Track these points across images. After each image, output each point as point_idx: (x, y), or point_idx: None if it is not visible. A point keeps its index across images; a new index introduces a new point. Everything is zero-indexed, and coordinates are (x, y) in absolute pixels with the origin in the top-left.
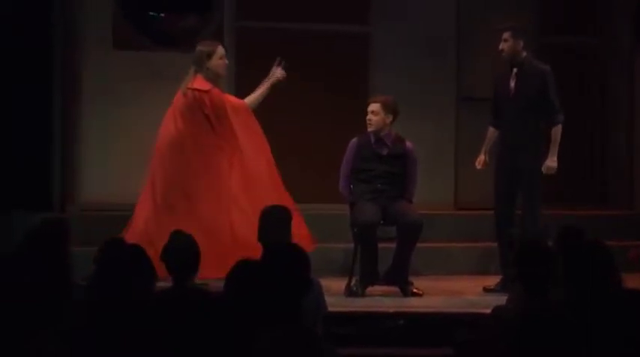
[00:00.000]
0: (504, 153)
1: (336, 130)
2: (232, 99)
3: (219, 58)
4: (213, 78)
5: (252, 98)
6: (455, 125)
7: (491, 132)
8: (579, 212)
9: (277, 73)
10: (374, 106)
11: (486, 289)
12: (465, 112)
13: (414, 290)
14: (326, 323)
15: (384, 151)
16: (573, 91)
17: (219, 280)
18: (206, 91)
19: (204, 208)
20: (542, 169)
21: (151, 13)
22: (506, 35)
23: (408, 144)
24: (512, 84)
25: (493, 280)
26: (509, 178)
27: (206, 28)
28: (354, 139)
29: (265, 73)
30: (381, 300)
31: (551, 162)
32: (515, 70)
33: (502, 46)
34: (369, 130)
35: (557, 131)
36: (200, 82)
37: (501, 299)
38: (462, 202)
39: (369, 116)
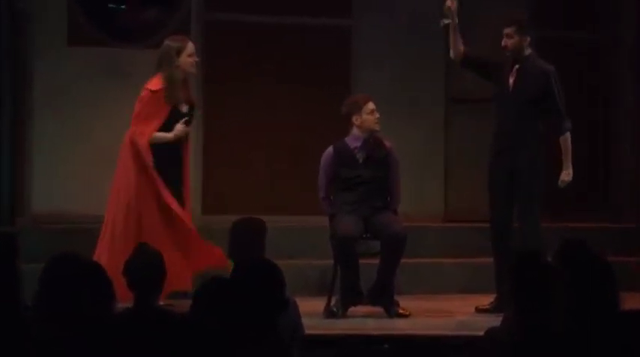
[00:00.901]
0: (500, 154)
1: (314, 133)
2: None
3: (189, 55)
4: (181, 76)
5: (155, 136)
6: (444, 129)
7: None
8: (581, 225)
9: (178, 129)
10: (373, 104)
11: (479, 309)
12: (455, 114)
13: (400, 311)
14: (303, 347)
15: (366, 155)
16: (573, 92)
17: (185, 301)
18: (153, 91)
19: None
20: (559, 183)
21: (110, 5)
22: (509, 30)
23: (388, 144)
24: (512, 81)
25: (486, 299)
26: (506, 181)
27: (171, 21)
28: (329, 148)
29: (237, 71)
30: (364, 321)
31: (566, 175)
32: (516, 66)
33: (505, 42)
34: (379, 128)
35: (566, 140)
36: (155, 83)
37: (496, 320)
38: (452, 214)
39: (377, 114)
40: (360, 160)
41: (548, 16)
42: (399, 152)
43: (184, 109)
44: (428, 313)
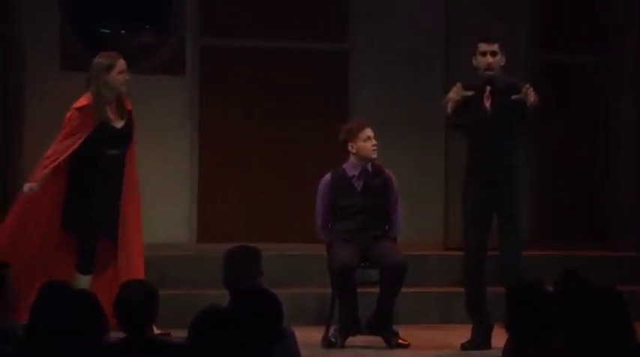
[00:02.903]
0: (483, 182)
1: (311, 159)
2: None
3: (119, 72)
4: (110, 93)
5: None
6: (444, 155)
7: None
8: (580, 253)
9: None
10: (371, 131)
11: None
12: (455, 140)
13: (400, 341)
14: None
15: (364, 183)
16: (572, 117)
17: (182, 330)
18: (77, 108)
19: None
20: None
21: (103, 30)
22: (495, 47)
23: (388, 172)
24: (488, 104)
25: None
26: (486, 210)
27: (165, 45)
28: (327, 176)
29: (232, 96)
30: (363, 352)
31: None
32: (488, 88)
33: (490, 59)
34: (375, 156)
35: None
36: (81, 100)
37: (496, 352)
38: (453, 242)
39: (374, 141)
40: (358, 189)
41: (549, 38)
42: (397, 179)
43: (119, 125)
44: (429, 344)
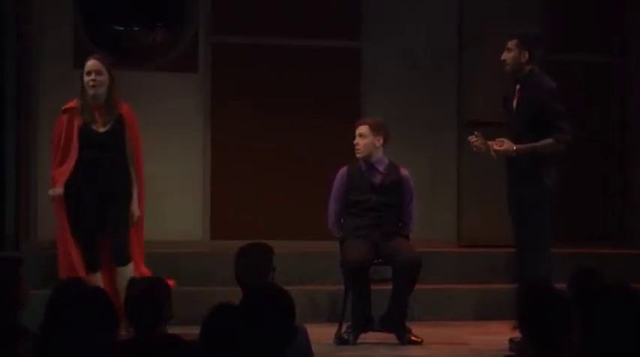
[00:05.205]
0: (509, 180)
1: (323, 157)
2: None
3: (86, 73)
4: (87, 96)
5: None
6: (456, 153)
7: None
8: (596, 251)
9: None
10: (362, 129)
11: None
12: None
13: (413, 337)
14: None
15: (377, 180)
16: (587, 116)
17: (195, 327)
18: (62, 111)
19: None
20: (492, 148)
21: (116, 27)
22: (510, 44)
23: (403, 171)
24: (515, 103)
25: (500, 326)
26: (514, 213)
27: (177, 43)
28: (343, 169)
29: (244, 94)
30: (376, 349)
31: (508, 144)
32: (517, 86)
33: (505, 55)
34: (358, 155)
35: (546, 142)
36: (70, 102)
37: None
38: (466, 239)
39: (356, 140)
40: (370, 185)
41: (564, 38)
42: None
43: (101, 129)
44: (441, 341)
